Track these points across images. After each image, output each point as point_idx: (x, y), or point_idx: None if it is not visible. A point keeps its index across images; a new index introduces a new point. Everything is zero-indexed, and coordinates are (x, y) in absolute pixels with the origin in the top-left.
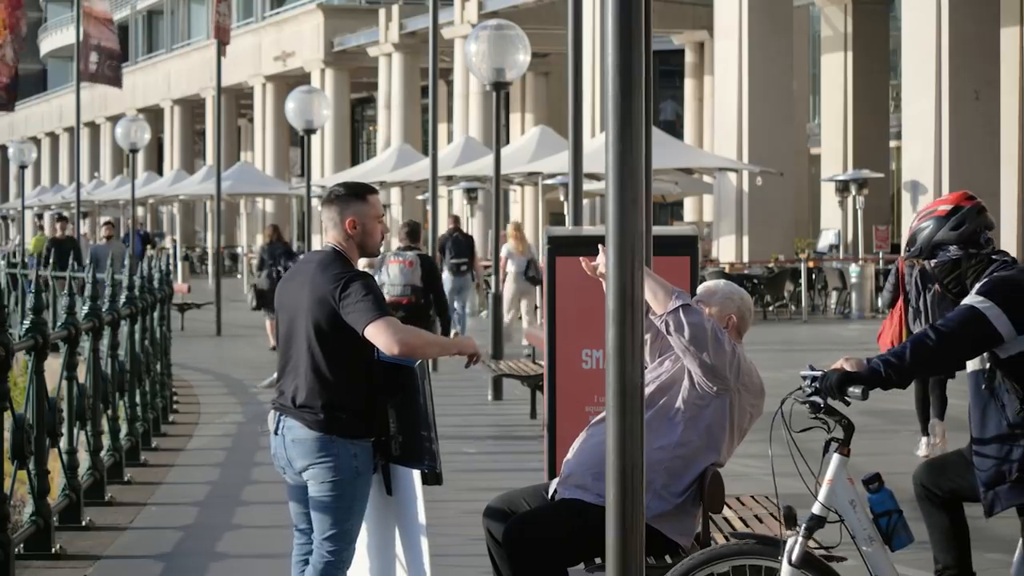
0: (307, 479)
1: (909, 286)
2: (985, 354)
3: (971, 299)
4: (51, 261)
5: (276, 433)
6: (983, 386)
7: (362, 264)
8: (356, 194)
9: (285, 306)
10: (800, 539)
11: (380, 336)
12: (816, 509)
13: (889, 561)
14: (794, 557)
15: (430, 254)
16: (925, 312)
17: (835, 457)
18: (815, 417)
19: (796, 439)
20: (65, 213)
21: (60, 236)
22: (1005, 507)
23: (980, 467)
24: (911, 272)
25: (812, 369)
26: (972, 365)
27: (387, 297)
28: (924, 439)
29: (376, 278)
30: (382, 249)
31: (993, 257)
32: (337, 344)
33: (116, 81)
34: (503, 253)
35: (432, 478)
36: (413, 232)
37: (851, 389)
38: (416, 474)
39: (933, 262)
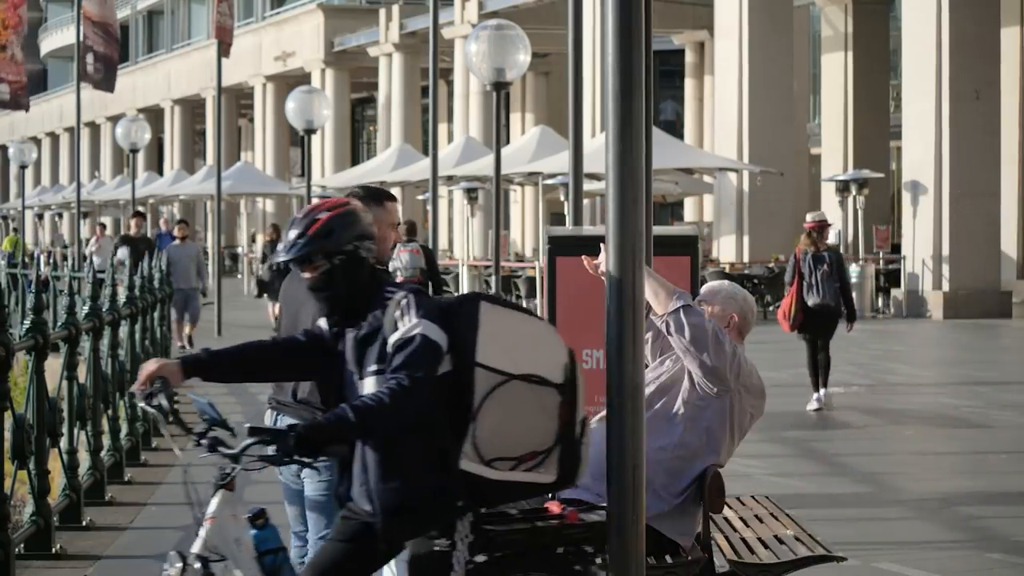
0: (303, 478)
1: (804, 266)
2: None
3: (417, 328)
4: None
5: None
6: None
7: None
8: (374, 198)
9: (290, 300)
10: None
11: None
12: (197, 548)
13: None
14: None
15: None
16: (817, 287)
17: (219, 493)
18: (212, 451)
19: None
20: (141, 208)
21: (135, 234)
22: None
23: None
24: (805, 256)
25: (261, 429)
26: (372, 385)
27: (400, 277)
28: (815, 395)
29: (390, 264)
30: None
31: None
32: None
33: (108, 85)
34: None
35: None
36: (411, 229)
37: (331, 449)
38: None
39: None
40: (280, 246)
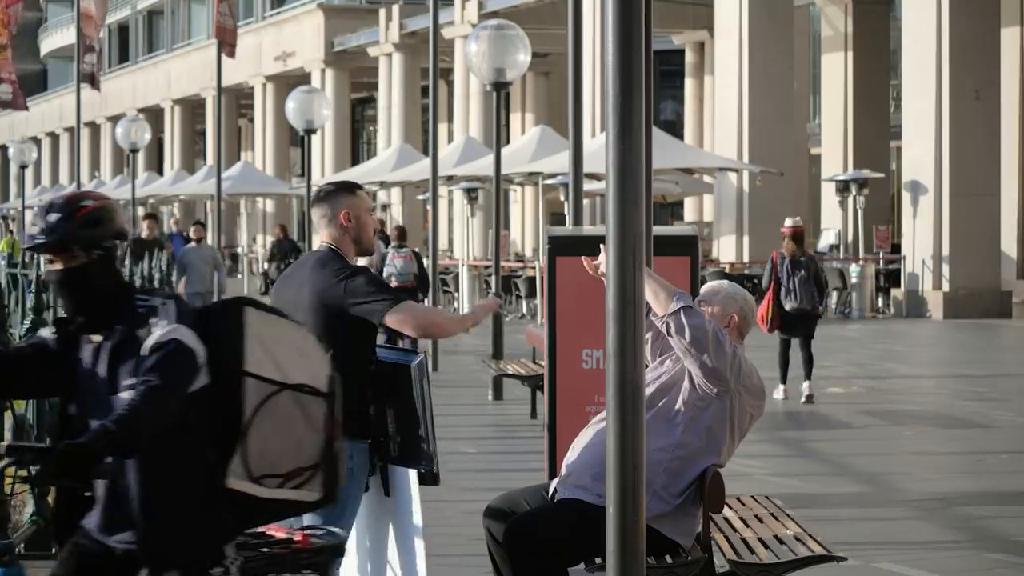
0: None
1: (781, 272)
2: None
3: (173, 333)
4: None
5: None
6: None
7: (360, 263)
8: (346, 188)
9: (281, 305)
10: None
11: (407, 321)
12: None
13: None
14: None
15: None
16: (795, 292)
17: None
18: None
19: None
20: (142, 209)
21: (148, 236)
22: None
23: None
24: (783, 261)
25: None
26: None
27: (395, 283)
28: (781, 386)
29: (384, 270)
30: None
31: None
32: (336, 342)
33: (94, 82)
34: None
35: (429, 478)
36: (402, 235)
37: (100, 468)
38: (413, 474)
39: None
40: (34, 229)
